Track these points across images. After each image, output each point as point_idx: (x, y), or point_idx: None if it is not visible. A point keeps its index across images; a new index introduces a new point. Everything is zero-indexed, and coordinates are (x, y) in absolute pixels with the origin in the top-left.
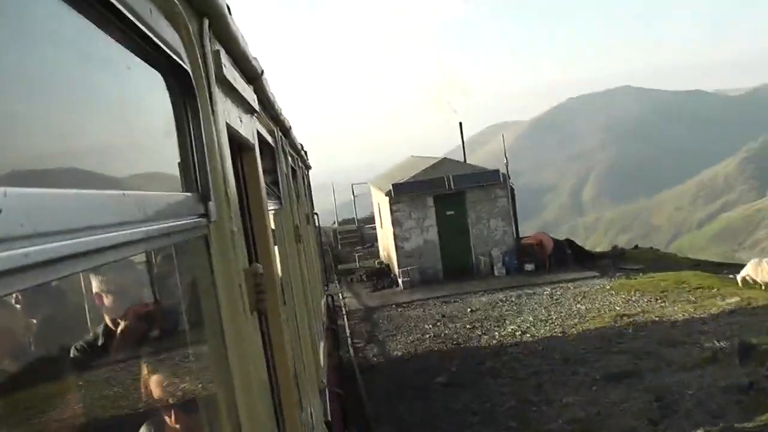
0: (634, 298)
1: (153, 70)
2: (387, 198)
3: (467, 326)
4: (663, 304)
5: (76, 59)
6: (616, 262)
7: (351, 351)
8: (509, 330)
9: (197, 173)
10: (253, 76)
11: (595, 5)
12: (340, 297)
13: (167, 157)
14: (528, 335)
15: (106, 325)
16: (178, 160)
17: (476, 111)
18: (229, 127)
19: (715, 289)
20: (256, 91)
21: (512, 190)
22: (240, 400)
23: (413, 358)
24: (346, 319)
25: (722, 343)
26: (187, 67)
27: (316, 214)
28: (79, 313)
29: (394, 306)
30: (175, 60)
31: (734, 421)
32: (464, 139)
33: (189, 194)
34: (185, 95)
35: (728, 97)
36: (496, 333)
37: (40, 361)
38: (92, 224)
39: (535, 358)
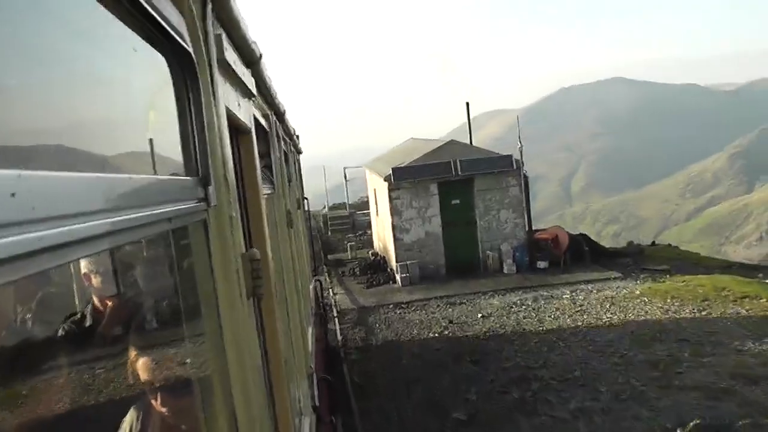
0: (672, 308)
1: (156, 51)
2: (386, 183)
3: (481, 337)
4: (709, 317)
5: (81, 38)
6: (637, 261)
7: (346, 373)
8: (533, 345)
9: (197, 157)
10: (251, 60)
11: None
12: (331, 294)
13: (169, 140)
14: (557, 353)
15: (94, 306)
16: (179, 143)
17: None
18: (228, 111)
19: (764, 299)
20: (253, 75)
21: (526, 178)
22: (235, 385)
23: (420, 381)
24: (337, 323)
25: None
26: (190, 49)
27: (306, 198)
28: (68, 294)
29: (391, 306)
30: (178, 42)
31: None
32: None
33: (189, 178)
34: (187, 78)
35: (721, 91)
36: (517, 348)
37: (26, 341)
38: (100, 208)
39: (574, 387)
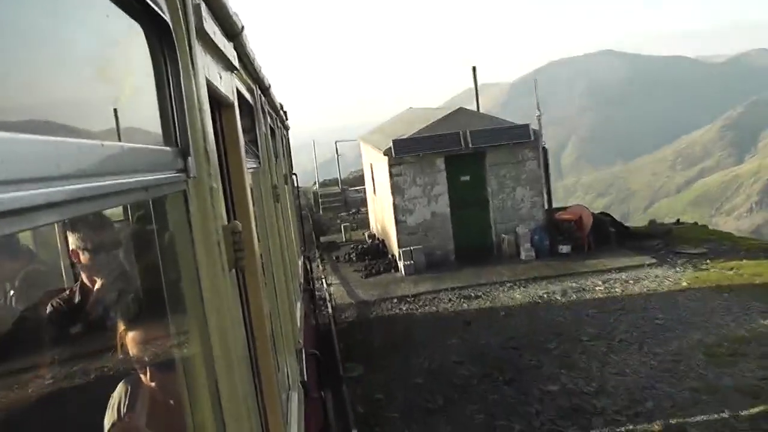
0: (736, 307)
1: (132, 20)
2: (385, 158)
3: (510, 345)
4: None
5: (51, 5)
6: (667, 243)
7: (347, 397)
8: (577, 357)
9: (176, 128)
10: (233, 32)
11: None
12: (324, 284)
13: (146, 111)
14: (613, 370)
15: (83, 282)
16: (158, 115)
17: (455, 71)
18: (208, 83)
19: None
20: (235, 48)
21: (545, 150)
22: (218, 358)
23: (443, 412)
24: (333, 326)
25: None
26: (167, 18)
27: (295, 174)
28: (56, 270)
29: (395, 301)
30: (154, 10)
31: None
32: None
33: (168, 149)
34: (164, 48)
35: (710, 63)
36: (558, 362)
37: (16, 317)
38: (68, 173)
39: None
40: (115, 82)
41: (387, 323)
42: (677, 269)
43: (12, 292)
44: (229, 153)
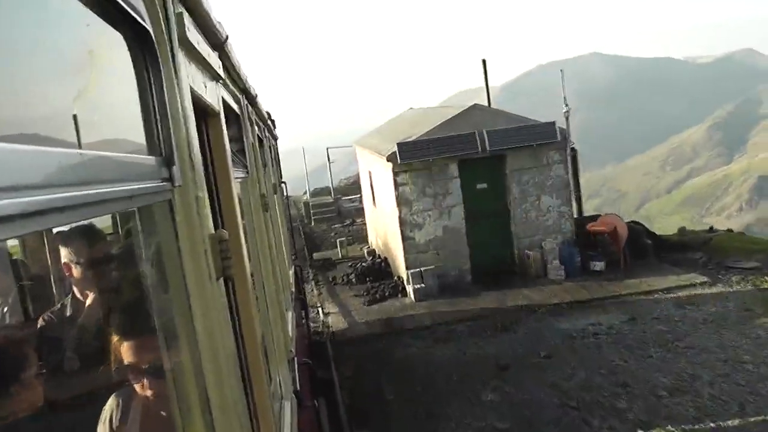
0: None
1: (113, 29)
2: (389, 165)
3: (566, 404)
4: None
5: (32, 11)
6: (710, 255)
7: None
8: None
9: (160, 137)
10: (217, 42)
11: None
12: (320, 313)
13: (129, 121)
14: None
15: (74, 295)
16: (141, 124)
17: (443, 76)
18: (193, 92)
19: None
20: (221, 58)
21: (574, 152)
22: (207, 369)
23: None
24: (336, 377)
25: None
26: (149, 27)
27: (284, 183)
28: (47, 284)
29: (407, 336)
30: (135, 19)
31: None
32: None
33: (152, 158)
34: (147, 57)
35: (697, 64)
36: None
37: (7, 331)
38: (50, 182)
39: None
40: (97, 91)
41: (400, 367)
42: (735, 288)
43: (6, 309)
44: (216, 162)
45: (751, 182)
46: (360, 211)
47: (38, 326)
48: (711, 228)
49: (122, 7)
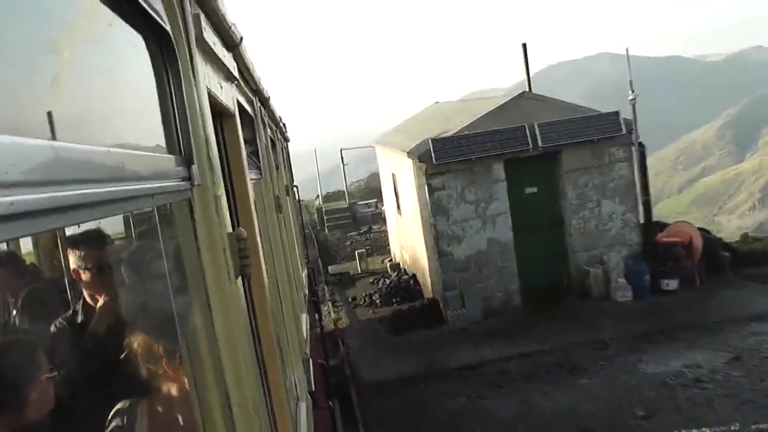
0: None
1: (133, 30)
2: (420, 166)
3: None
4: None
5: (55, 17)
6: None
7: None
8: None
9: (180, 137)
10: (232, 43)
11: None
12: (343, 351)
13: (149, 120)
14: None
15: (85, 301)
16: (161, 124)
17: (452, 78)
18: (209, 93)
19: None
20: (235, 59)
21: (642, 148)
22: (227, 367)
23: None
24: None
25: None
26: (168, 28)
27: (296, 186)
28: (59, 289)
29: (448, 377)
30: (156, 20)
31: None
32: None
33: (172, 157)
34: (166, 57)
35: (707, 62)
36: None
37: (21, 337)
38: (76, 178)
39: None
40: (119, 91)
41: (446, 427)
42: None
43: (15, 312)
44: (231, 162)
45: (763, 180)
46: (377, 217)
47: (51, 332)
48: None
49: (143, 7)
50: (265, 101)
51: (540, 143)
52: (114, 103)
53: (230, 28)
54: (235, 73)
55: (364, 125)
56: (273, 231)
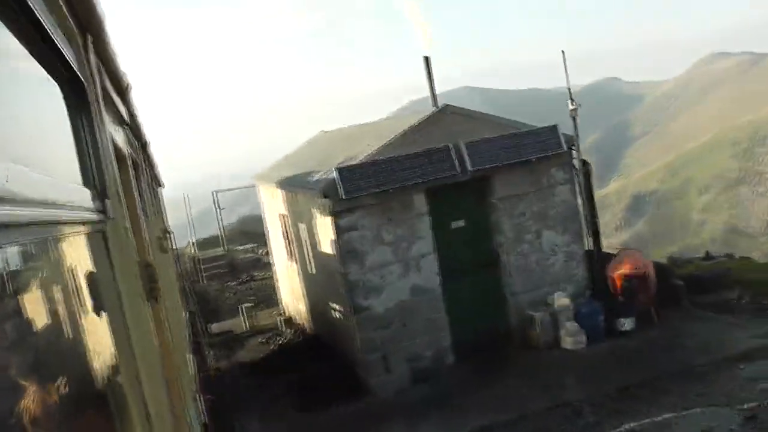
0: None
1: (51, 78)
2: (326, 202)
3: None
4: None
5: None
6: (750, 296)
7: None
8: None
9: (94, 174)
10: (121, 89)
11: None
12: None
13: (67, 159)
14: None
15: None
16: (77, 162)
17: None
18: (110, 135)
19: None
20: (124, 104)
21: (587, 167)
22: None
23: None
24: None
25: None
26: (82, 77)
27: (172, 232)
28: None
29: None
30: (73, 70)
31: None
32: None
33: (88, 191)
34: (79, 104)
35: (565, 93)
36: None
37: None
38: None
39: None
40: (38, 133)
41: None
42: None
43: None
44: (127, 201)
45: (625, 202)
46: (258, 264)
47: None
48: (707, 254)
49: (64, 58)
50: (145, 146)
51: (469, 166)
52: (32, 145)
53: (122, 75)
54: (127, 118)
55: (228, 166)
56: (164, 268)
